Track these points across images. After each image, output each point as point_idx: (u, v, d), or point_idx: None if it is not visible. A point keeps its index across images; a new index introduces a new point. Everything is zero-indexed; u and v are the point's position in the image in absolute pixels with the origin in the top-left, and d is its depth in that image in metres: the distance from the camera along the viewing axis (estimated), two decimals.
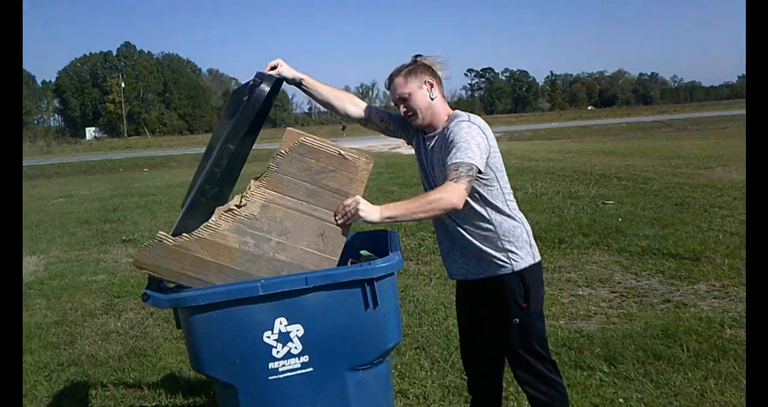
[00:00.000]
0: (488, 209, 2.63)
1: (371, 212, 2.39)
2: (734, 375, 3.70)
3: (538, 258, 2.74)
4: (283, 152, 2.42)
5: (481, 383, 2.99)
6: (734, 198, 9.28)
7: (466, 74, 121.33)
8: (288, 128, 2.46)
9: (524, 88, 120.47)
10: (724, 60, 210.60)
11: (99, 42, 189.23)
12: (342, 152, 2.44)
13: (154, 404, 3.86)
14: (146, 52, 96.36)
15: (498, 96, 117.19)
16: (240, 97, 2.47)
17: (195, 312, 2.27)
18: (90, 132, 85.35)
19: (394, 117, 2.87)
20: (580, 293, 5.56)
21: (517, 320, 2.67)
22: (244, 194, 2.45)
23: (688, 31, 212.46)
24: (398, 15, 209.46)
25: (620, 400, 3.51)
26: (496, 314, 2.71)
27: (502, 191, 2.66)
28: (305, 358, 2.34)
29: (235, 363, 2.31)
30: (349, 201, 2.42)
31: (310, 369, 2.35)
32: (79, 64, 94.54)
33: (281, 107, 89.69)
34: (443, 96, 2.73)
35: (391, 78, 2.69)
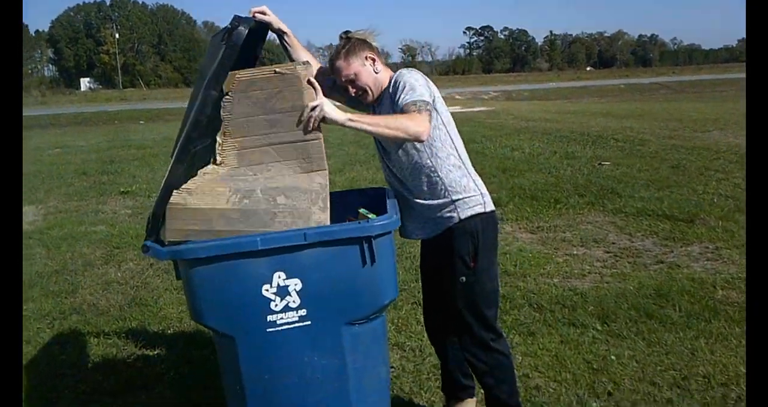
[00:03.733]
0: (433, 159, 2.61)
1: (336, 112, 2.36)
2: (725, 335, 3.78)
3: (490, 208, 2.71)
4: (228, 96, 2.39)
5: (437, 341, 3.00)
6: (730, 162, 9.31)
7: (464, 32, 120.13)
8: (228, 73, 2.39)
9: (523, 48, 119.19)
10: (724, 23, 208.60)
11: None
12: (276, 69, 2.38)
13: (155, 353, 3.94)
14: (140, 2, 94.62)
15: (496, 55, 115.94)
16: (218, 41, 2.44)
17: (194, 265, 2.29)
18: (84, 83, 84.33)
19: None
20: (575, 252, 5.63)
21: (464, 279, 2.65)
22: (217, 151, 2.46)
23: None
24: None
25: (612, 357, 3.59)
26: (444, 272, 2.71)
27: (450, 137, 2.66)
28: (303, 312, 2.38)
29: (233, 315, 2.35)
30: (313, 104, 2.35)
31: (308, 322, 2.39)
32: (72, 14, 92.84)
33: (278, 62, 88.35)
34: (384, 65, 2.71)
35: (332, 62, 2.66)
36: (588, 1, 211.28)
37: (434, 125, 2.58)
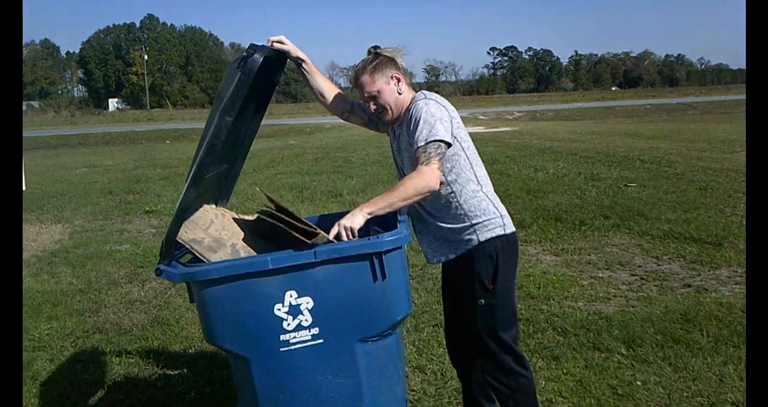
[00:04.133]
0: (452, 185, 2.62)
1: (354, 220, 2.40)
2: None
3: (510, 230, 2.69)
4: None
5: (462, 371, 2.98)
6: None
7: (488, 53, 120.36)
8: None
9: (547, 68, 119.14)
10: None
11: (122, 14, 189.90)
12: (296, 234, 2.40)
13: (176, 372, 3.94)
14: (169, 24, 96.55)
15: (520, 75, 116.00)
16: (234, 68, 2.47)
17: (207, 286, 2.32)
18: (113, 103, 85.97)
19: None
20: (600, 275, 5.55)
21: (483, 301, 2.64)
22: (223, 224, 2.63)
23: (715, 12, 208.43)
24: None
25: (638, 383, 3.52)
26: (463, 294, 2.70)
27: (469, 162, 2.66)
28: (315, 330, 2.37)
29: (246, 336, 2.35)
30: (341, 236, 2.39)
31: (320, 340, 2.38)
32: (102, 36, 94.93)
33: (302, 83, 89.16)
34: (409, 85, 2.72)
35: (357, 76, 2.67)
36: (613, 21, 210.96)
37: (453, 152, 2.59)
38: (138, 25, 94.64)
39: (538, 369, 3.71)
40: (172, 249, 2.43)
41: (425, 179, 2.42)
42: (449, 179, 2.62)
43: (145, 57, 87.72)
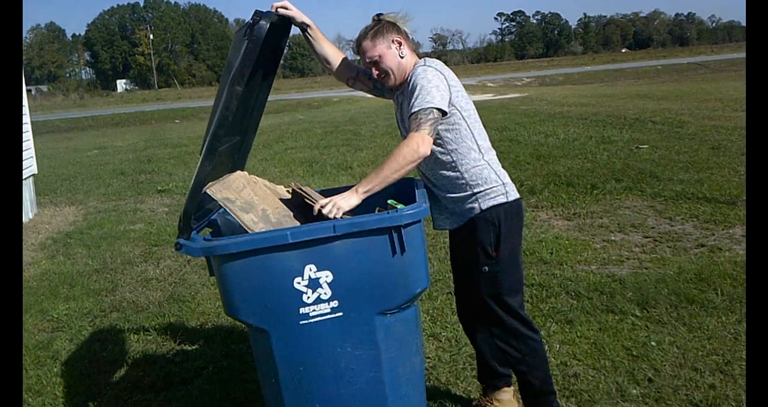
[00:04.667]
0: (453, 154, 2.61)
1: (349, 200, 2.40)
2: None
3: (513, 197, 2.67)
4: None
5: (473, 337, 3.00)
6: None
7: (496, 18, 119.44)
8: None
9: (556, 32, 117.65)
10: None
11: None
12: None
13: (194, 347, 3.99)
14: (173, 3, 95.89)
15: (529, 40, 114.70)
16: (240, 36, 2.44)
17: (227, 260, 2.31)
18: (121, 84, 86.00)
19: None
20: (613, 238, 5.53)
21: (486, 268, 2.64)
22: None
23: None
24: None
25: (652, 343, 3.52)
26: (467, 262, 2.71)
27: (470, 131, 2.64)
28: (335, 303, 2.38)
29: (267, 309, 2.36)
30: (326, 210, 2.39)
31: (340, 313, 2.39)
32: (107, 17, 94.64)
33: (308, 57, 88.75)
34: (412, 50, 2.69)
35: (359, 42, 2.65)
36: None
37: (452, 122, 2.58)
38: (142, 4, 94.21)
39: (552, 333, 3.72)
40: (191, 223, 2.43)
41: (413, 146, 2.40)
42: (450, 148, 2.61)
43: (151, 37, 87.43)
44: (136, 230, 7.21)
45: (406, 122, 2.63)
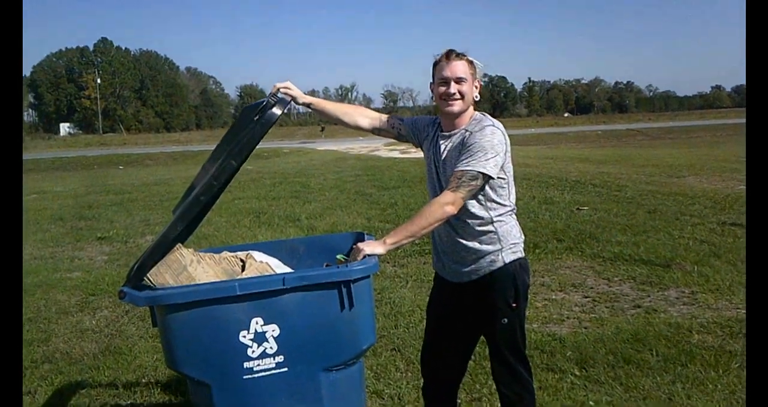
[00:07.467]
0: (492, 211, 2.69)
1: (374, 248, 2.48)
2: (701, 379, 3.79)
3: (522, 254, 2.80)
4: None
5: (440, 388, 3.03)
6: (705, 207, 9.47)
7: None
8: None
9: (502, 94, 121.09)
10: (698, 70, 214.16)
11: (75, 37, 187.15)
12: None
13: (128, 402, 3.86)
14: (123, 48, 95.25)
15: (477, 101, 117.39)
16: (250, 115, 2.50)
17: (171, 310, 2.29)
18: (64, 128, 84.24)
19: (406, 122, 2.95)
20: (554, 297, 5.64)
21: (506, 320, 2.73)
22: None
23: (663, 41, 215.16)
24: (377, 15, 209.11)
25: (591, 403, 3.58)
26: (485, 314, 2.77)
27: (509, 191, 2.74)
28: (280, 358, 2.37)
29: (210, 362, 2.33)
30: (358, 257, 2.48)
31: (285, 369, 2.38)
32: (54, 59, 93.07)
33: None
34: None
35: (454, 56, 2.70)
36: (565, 49, 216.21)
37: (500, 185, 2.66)
38: (91, 48, 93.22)
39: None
40: (143, 277, 2.40)
41: (445, 207, 2.49)
42: (490, 205, 2.68)
43: (98, 81, 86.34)
44: (72, 279, 7.00)
45: (447, 165, 2.67)
